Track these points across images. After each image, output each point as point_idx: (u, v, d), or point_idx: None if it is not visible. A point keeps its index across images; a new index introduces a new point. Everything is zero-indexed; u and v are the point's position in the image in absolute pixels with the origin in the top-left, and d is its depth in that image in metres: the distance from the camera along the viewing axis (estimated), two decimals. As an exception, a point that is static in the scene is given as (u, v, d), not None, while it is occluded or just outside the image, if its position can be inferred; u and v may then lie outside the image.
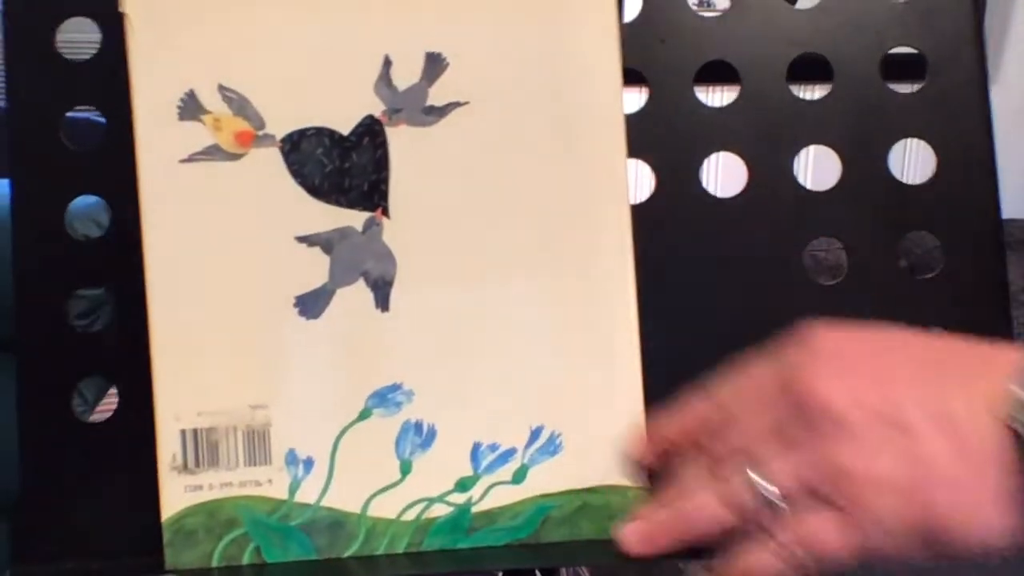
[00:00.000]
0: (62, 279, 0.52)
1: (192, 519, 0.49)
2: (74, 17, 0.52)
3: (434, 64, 0.49)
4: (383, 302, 0.50)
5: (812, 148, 0.53)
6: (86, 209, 0.55)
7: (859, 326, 0.45)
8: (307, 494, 0.50)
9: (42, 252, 0.52)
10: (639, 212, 0.51)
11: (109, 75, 0.51)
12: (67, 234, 0.51)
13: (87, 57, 0.52)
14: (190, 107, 0.49)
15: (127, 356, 0.51)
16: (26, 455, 0.51)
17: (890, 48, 0.53)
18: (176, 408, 0.49)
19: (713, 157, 0.54)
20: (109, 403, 0.53)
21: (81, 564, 0.51)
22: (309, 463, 0.50)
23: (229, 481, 0.49)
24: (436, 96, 0.49)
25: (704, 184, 0.53)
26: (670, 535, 0.47)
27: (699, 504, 0.46)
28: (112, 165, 0.51)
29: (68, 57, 0.52)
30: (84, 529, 0.51)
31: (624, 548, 0.48)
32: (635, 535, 0.48)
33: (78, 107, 0.52)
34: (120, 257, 0.51)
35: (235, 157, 0.49)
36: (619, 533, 0.49)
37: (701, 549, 0.46)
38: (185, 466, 0.49)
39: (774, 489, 0.43)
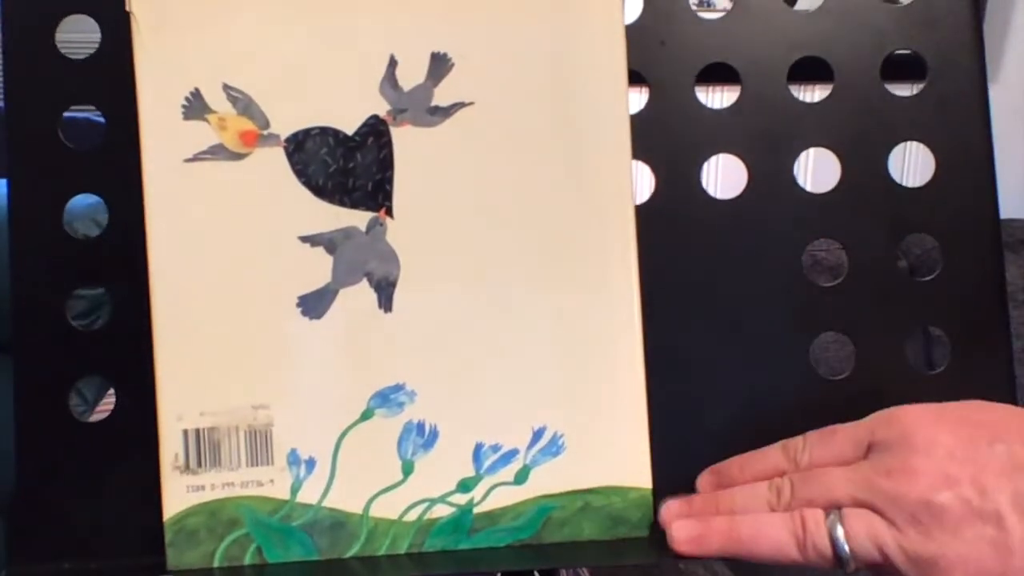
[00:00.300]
0: (60, 278, 0.51)
1: (194, 519, 0.49)
2: (74, 15, 0.51)
3: (439, 64, 0.49)
4: (386, 302, 0.50)
5: (812, 150, 0.54)
6: (86, 209, 0.55)
7: (949, 406, 0.46)
8: (309, 494, 0.50)
9: (40, 251, 0.51)
10: (639, 213, 0.51)
11: (109, 73, 0.50)
12: (65, 233, 0.51)
13: (85, 56, 0.51)
14: (195, 106, 0.49)
15: (125, 356, 0.51)
16: (22, 454, 0.51)
17: (890, 51, 0.53)
18: (178, 408, 0.49)
19: (713, 159, 0.54)
20: (107, 403, 0.52)
21: (80, 564, 0.51)
22: (311, 463, 0.50)
23: (231, 481, 0.49)
24: (441, 96, 0.49)
25: (704, 186, 0.54)
26: (721, 545, 0.47)
27: (769, 531, 0.46)
28: (111, 164, 0.51)
29: (67, 55, 0.51)
30: (83, 529, 0.51)
31: (670, 541, 0.48)
32: (685, 532, 0.48)
33: (77, 106, 0.52)
34: (119, 256, 0.51)
35: (239, 156, 0.49)
36: (669, 525, 0.48)
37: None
38: (187, 466, 0.49)
39: (849, 553, 0.44)
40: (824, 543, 0.44)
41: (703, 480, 0.51)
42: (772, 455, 0.49)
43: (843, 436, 0.47)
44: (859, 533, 0.44)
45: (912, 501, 0.43)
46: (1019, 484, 0.42)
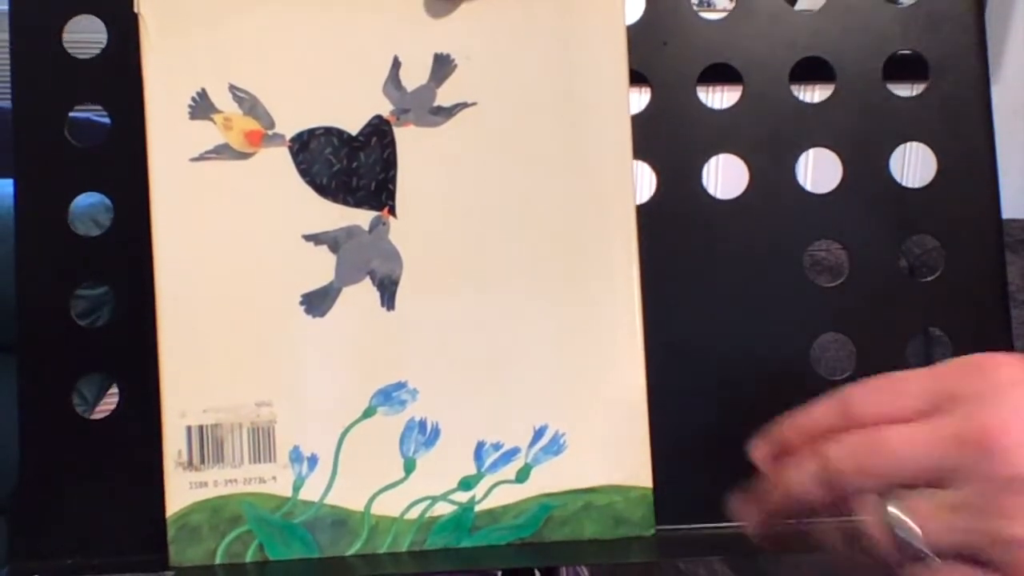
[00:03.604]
0: (65, 275, 0.52)
1: (196, 516, 0.49)
2: (81, 15, 0.52)
3: (442, 65, 0.50)
4: (389, 301, 0.50)
5: (814, 151, 0.54)
6: (87, 209, 0.55)
7: None
8: (311, 491, 0.50)
9: (45, 248, 0.51)
10: (641, 213, 0.51)
11: (115, 73, 0.51)
12: (70, 231, 0.51)
13: (91, 55, 0.52)
14: (201, 106, 0.49)
15: (129, 353, 0.51)
16: (26, 451, 0.51)
17: (892, 52, 0.53)
18: (182, 405, 0.49)
19: (715, 159, 0.54)
20: (108, 403, 0.53)
21: (82, 560, 0.51)
22: (313, 460, 0.50)
23: (234, 478, 0.50)
24: (444, 97, 0.50)
25: (706, 186, 0.54)
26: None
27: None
28: (116, 162, 0.51)
29: (73, 55, 0.52)
30: (85, 525, 0.51)
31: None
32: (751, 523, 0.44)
33: (82, 105, 0.52)
34: (123, 255, 0.51)
35: (245, 156, 0.49)
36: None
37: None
38: (190, 463, 0.49)
39: (918, 531, 0.38)
40: (881, 531, 0.39)
41: (759, 451, 0.45)
42: (824, 413, 0.43)
43: (913, 386, 0.40)
44: (926, 514, 0.38)
45: (996, 476, 0.37)
46: None
